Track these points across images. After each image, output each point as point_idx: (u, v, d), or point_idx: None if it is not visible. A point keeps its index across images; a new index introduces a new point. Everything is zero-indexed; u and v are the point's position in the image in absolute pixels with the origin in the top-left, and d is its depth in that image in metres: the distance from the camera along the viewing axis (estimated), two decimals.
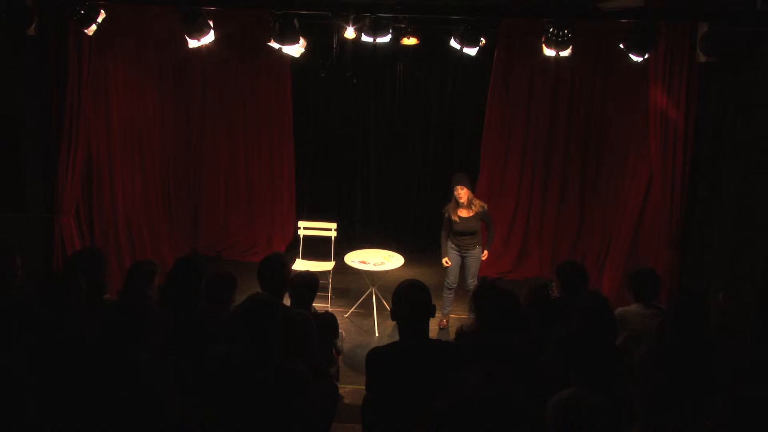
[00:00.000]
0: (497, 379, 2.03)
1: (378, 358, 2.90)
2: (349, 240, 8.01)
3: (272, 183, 8.04)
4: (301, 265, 6.53)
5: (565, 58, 5.29)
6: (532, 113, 7.31)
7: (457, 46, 5.31)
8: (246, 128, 7.89)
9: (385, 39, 5.14)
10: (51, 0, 5.12)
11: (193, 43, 5.21)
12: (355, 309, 6.49)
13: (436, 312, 4.07)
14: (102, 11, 5.00)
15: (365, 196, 8.61)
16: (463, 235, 5.85)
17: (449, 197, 5.92)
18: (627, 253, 6.28)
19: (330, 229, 6.93)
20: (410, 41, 5.96)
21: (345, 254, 6.46)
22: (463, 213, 5.82)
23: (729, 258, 5.02)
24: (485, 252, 6.01)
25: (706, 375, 2.83)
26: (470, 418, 1.94)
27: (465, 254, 5.93)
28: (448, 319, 6.18)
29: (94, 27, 5.01)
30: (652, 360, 2.36)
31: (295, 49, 5.70)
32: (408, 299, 2.88)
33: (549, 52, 5.11)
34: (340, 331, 4.41)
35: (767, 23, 4.65)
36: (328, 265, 6.63)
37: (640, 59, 5.06)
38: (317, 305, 4.32)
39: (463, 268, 5.98)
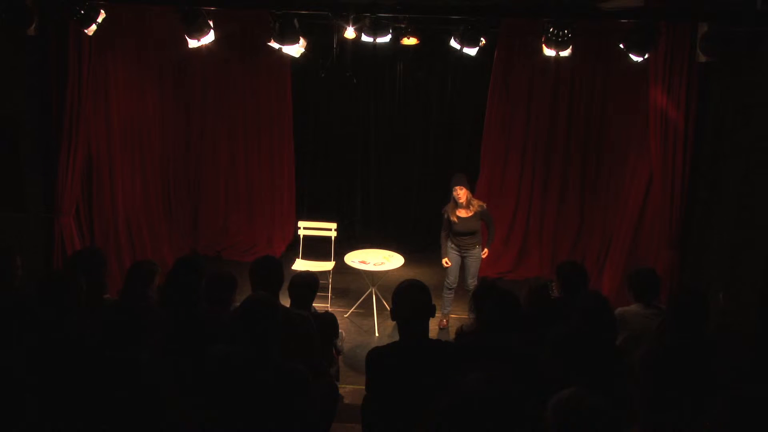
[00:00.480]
0: (497, 379, 2.03)
1: (378, 358, 2.90)
2: (349, 240, 8.01)
3: (272, 183, 8.04)
4: (301, 265, 6.53)
5: (565, 58, 5.29)
6: (532, 113, 7.31)
7: (457, 46, 5.31)
8: (246, 128, 7.89)
9: (385, 39, 5.14)
10: (51, 0, 5.12)
11: (193, 43, 5.21)
12: (355, 309, 6.49)
13: (436, 312, 4.07)
14: (102, 11, 5.00)
15: (365, 196, 8.61)
16: (462, 235, 5.85)
17: (449, 197, 5.92)
18: (627, 253, 6.28)
19: (330, 229, 6.93)
20: (410, 41, 5.96)
21: (345, 254, 6.46)
22: (462, 213, 5.82)
23: (729, 258, 5.02)
24: (485, 250, 6.01)
25: (706, 375, 2.83)
26: (470, 419, 1.94)
27: (465, 254, 5.93)
28: (448, 319, 6.18)
29: (94, 27, 5.01)
30: (652, 360, 2.36)
31: (295, 49, 5.70)
32: (408, 299, 2.87)
33: (549, 52, 5.11)
34: (340, 331, 4.41)
35: (767, 23, 4.65)
36: (328, 265, 6.63)
37: (640, 59, 5.06)
38: (317, 305, 4.32)
39: (463, 268, 5.98)
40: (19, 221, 5.45)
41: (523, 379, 2.41)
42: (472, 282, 5.93)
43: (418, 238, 8.17)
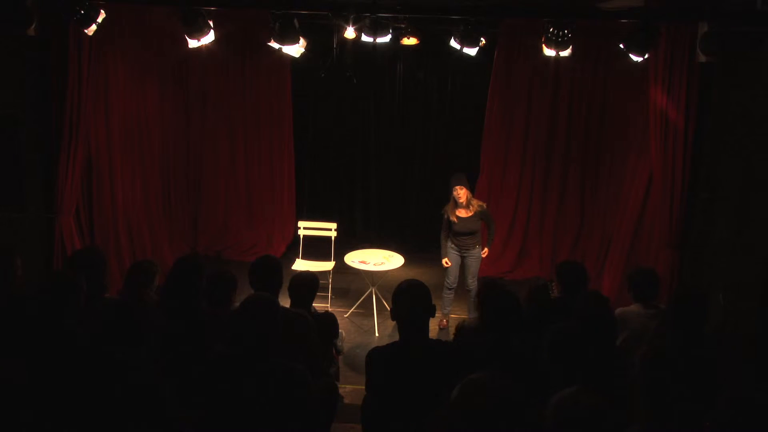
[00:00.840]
0: (498, 379, 2.03)
1: (378, 358, 2.90)
2: (349, 240, 8.01)
3: (272, 183, 8.04)
4: (301, 265, 6.53)
5: (565, 58, 5.29)
6: (532, 113, 7.31)
7: (457, 46, 5.31)
8: (246, 128, 7.89)
9: (385, 39, 5.15)
10: (51, 0, 5.12)
11: (193, 43, 5.21)
12: (355, 309, 6.49)
13: (436, 312, 4.07)
14: (102, 11, 5.01)
15: (365, 196, 8.60)
16: (462, 235, 5.85)
17: (449, 197, 5.92)
18: (627, 253, 6.28)
19: (330, 229, 6.93)
20: (410, 41, 5.96)
21: (345, 254, 6.46)
22: (462, 213, 5.82)
23: (729, 258, 5.02)
24: (485, 249, 6.01)
25: (706, 375, 2.83)
26: (473, 419, 1.94)
27: (465, 254, 5.93)
28: (448, 319, 6.18)
29: (94, 27, 5.01)
30: (652, 360, 2.36)
31: (295, 49, 5.70)
32: (408, 299, 2.87)
33: (549, 52, 5.11)
34: (340, 331, 4.41)
35: (767, 23, 4.65)
36: (328, 265, 6.63)
37: (640, 59, 5.07)
38: (317, 305, 4.32)
39: (463, 268, 5.98)
40: (19, 221, 5.45)
41: (523, 379, 2.42)
42: (472, 282, 5.93)
43: (418, 238, 8.17)
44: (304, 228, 6.98)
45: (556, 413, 2.07)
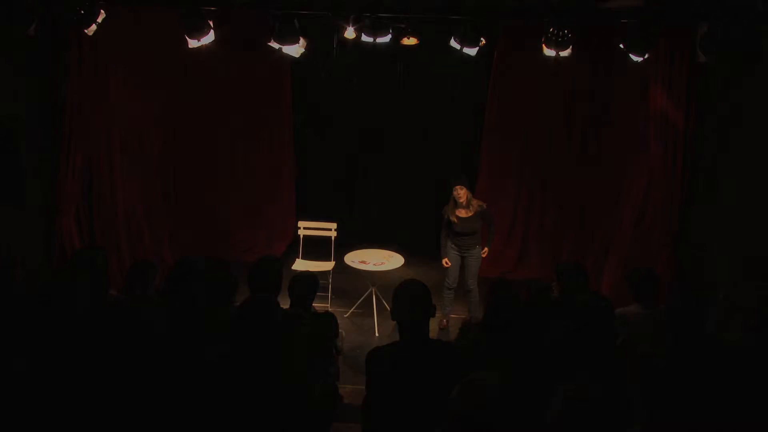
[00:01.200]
0: (498, 379, 2.04)
1: (378, 358, 2.90)
2: (349, 240, 8.00)
3: (272, 183, 8.04)
4: (301, 265, 6.53)
5: (565, 58, 5.30)
6: (532, 113, 7.30)
7: (457, 46, 5.32)
8: (246, 128, 7.89)
9: (385, 39, 5.16)
10: (51, 0, 5.12)
11: (193, 43, 5.22)
12: (355, 309, 6.49)
13: (436, 312, 4.07)
14: (102, 11, 5.01)
15: (365, 196, 8.60)
16: (462, 235, 5.85)
17: (449, 197, 5.92)
18: (627, 253, 6.27)
19: (330, 229, 6.93)
20: (410, 41, 5.96)
21: (345, 254, 6.46)
22: (462, 213, 5.82)
23: (729, 258, 5.02)
24: (485, 249, 6.01)
25: (706, 375, 2.83)
26: (475, 418, 1.94)
27: (465, 254, 5.93)
28: (448, 319, 6.18)
29: (94, 27, 5.02)
30: (652, 360, 2.36)
31: (295, 49, 5.70)
32: (408, 299, 2.88)
33: (549, 52, 5.12)
34: (340, 331, 4.41)
35: (767, 23, 4.65)
36: (328, 265, 6.63)
37: (640, 59, 5.07)
38: (317, 305, 4.32)
39: (463, 268, 5.98)
40: (19, 221, 5.45)
41: (523, 379, 2.42)
42: (472, 282, 5.93)
43: (418, 238, 8.16)
44: (304, 228, 6.99)
45: (557, 411, 2.07)
